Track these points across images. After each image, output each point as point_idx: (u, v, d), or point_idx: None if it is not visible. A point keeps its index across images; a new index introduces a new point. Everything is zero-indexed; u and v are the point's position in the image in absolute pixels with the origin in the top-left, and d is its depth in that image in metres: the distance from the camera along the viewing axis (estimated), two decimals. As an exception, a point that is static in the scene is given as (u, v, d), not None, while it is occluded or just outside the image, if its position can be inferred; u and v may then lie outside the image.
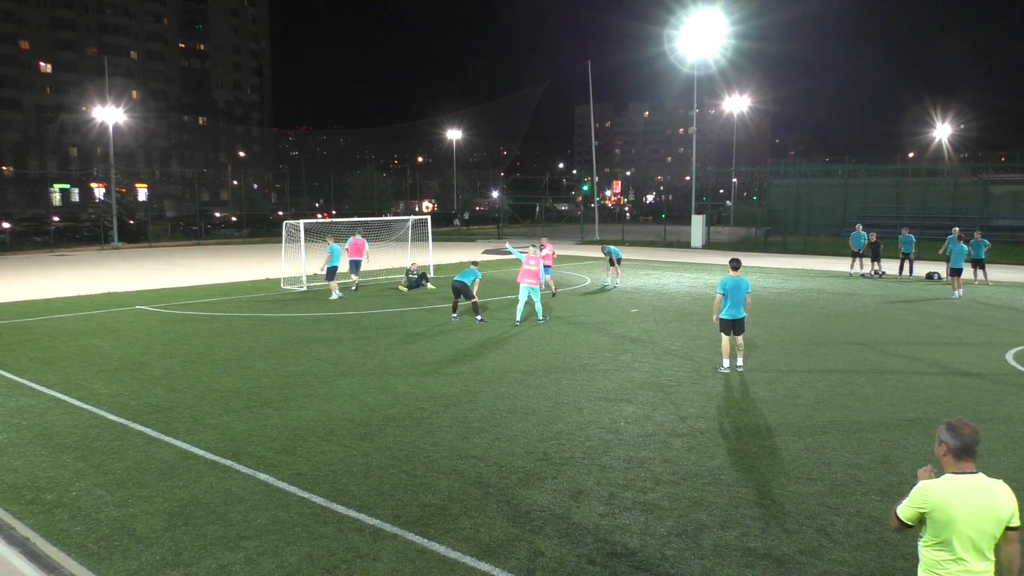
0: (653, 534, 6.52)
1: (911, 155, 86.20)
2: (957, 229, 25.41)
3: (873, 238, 29.02)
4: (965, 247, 23.42)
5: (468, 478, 7.78)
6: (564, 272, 29.39)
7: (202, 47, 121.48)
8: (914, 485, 4.05)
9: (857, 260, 28.89)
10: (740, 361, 12.65)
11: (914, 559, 6.06)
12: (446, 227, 68.41)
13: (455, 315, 17.87)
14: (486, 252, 39.42)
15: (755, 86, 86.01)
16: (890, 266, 28.78)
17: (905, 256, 27.92)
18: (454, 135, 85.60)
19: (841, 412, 10.21)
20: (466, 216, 77.09)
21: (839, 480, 7.75)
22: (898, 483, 7.64)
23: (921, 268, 28.38)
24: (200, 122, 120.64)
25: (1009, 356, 13.97)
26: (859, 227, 29.43)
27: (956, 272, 22.79)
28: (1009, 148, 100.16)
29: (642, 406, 10.44)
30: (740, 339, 12.63)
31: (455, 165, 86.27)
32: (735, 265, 12.84)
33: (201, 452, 8.62)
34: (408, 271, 24.39)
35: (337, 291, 21.89)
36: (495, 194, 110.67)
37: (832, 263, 33.07)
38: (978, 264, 25.40)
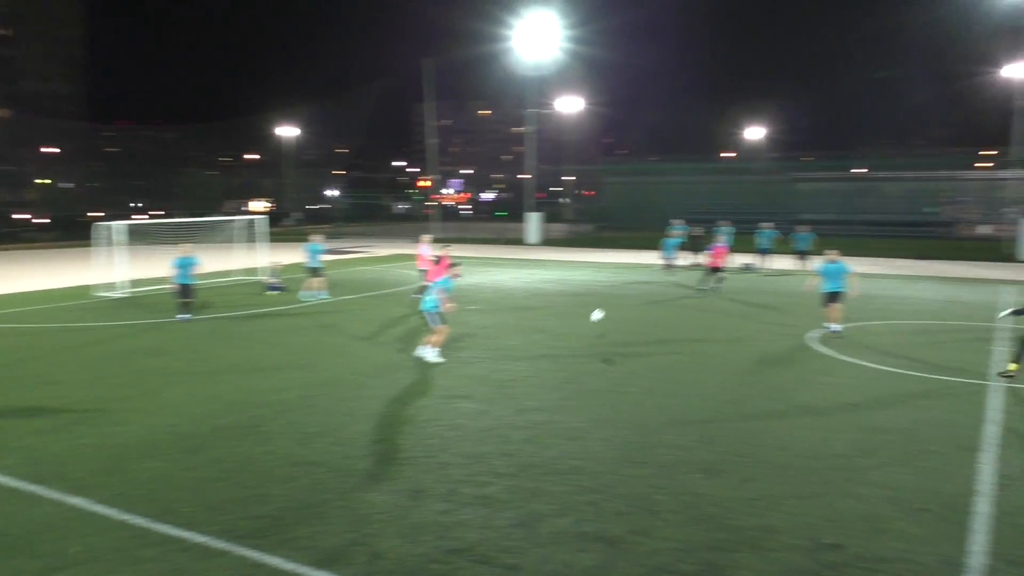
0: (492, 527, 6.62)
1: (732, 154, 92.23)
2: (768, 224, 27.59)
3: (696, 232, 30.92)
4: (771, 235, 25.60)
5: (305, 485, 7.57)
6: (403, 271, 29.23)
7: (8, 32, 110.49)
8: (734, 463, 4.30)
9: (676, 252, 30.68)
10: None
11: (735, 530, 6.53)
12: (280, 227, 66.17)
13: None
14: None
15: (590, 87, 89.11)
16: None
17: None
18: (288, 132, 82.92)
19: (669, 398, 10.78)
20: (300, 215, 74.95)
21: (666, 462, 8.17)
22: (719, 460, 8.16)
23: (739, 260, 30.38)
24: (2, 114, 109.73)
25: (810, 337, 15.26)
26: (678, 222, 31.36)
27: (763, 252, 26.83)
28: (812, 149, 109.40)
29: (481, 402, 10.56)
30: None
31: (289, 163, 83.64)
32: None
33: (2, 479, 7.87)
34: (272, 271, 23.29)
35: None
36: (332, 192, 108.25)
37: (658, 257, 34.77)
38: (802, 255, 27.79)
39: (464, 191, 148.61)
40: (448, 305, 13.08)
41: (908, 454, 8.44)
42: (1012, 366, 11.73)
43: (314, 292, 21.12)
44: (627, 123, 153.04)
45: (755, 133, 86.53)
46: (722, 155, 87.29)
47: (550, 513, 6.90)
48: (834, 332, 15.38)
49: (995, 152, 59.21)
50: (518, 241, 47.56)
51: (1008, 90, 40.01)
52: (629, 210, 51.46)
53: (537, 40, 47.16)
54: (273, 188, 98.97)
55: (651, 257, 34.99)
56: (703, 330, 16.46)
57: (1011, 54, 39.75)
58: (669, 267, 28.12)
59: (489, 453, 8.47)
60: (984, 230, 45.40)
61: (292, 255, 25.73)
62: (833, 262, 15.64)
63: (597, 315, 14.86)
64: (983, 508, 6.96)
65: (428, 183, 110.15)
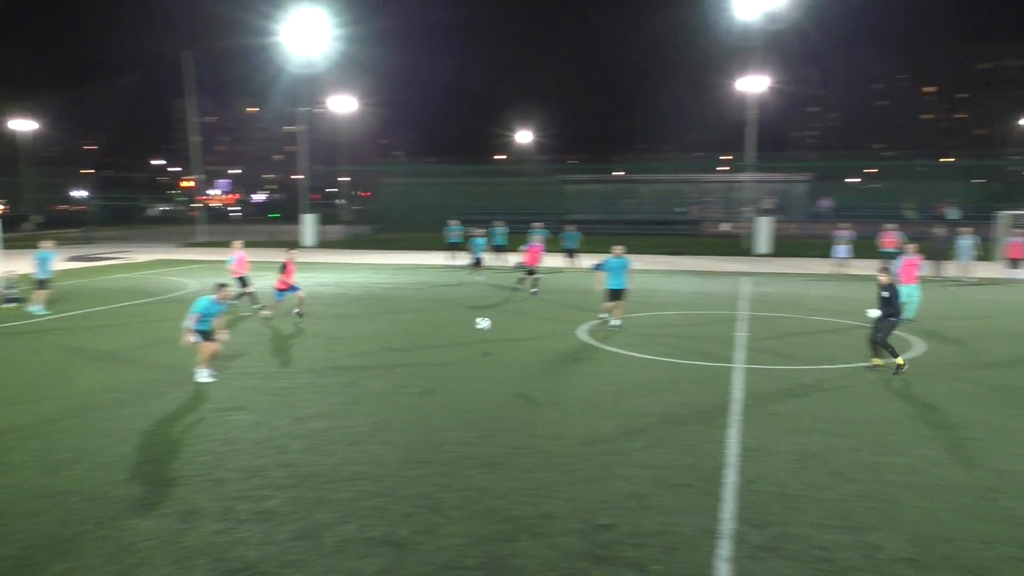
0: (273, 542, 6.37)
1: (503, 157, 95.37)
2: (539, 224, 28.77)
3: (472, 232, 31.63)
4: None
5: (55, 518, 6.84)
6: (166, 279, 27.28)
7: None
8: (513, 455, 4.44)
9: (454, 252, 31.36)
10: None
11: (515, 520, 6.78)
12: (18, 231, 59.17)
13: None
14: (72, 259, 34.92)
15: (364, 87, 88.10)
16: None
17: (497, 248, 30.83)
18: (24, 125, 74.15)
19: (450, 396, 10.94)
20: (41, 219, 67.50)
21: (448, 459, 8.30)
22: (499, 453, 8.42)
23: (514, 259, 31.46)
24: None
25: (582, 331, 16.18)
26: (453, 222, 32.00)
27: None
28: (577, 151, 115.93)
29: (257, 412, 10.11)
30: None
31: (26, 161, 74.91)
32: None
33: None
34: (6, 282, 20.46)
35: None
36: (81, 193, 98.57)
37: (437, 257, 35.23)
38: (570, 253, 29.37)
39: (233, 192, 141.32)
40: (188, 338, 11.47)
41: (668, 434, 9.19)
42: (876, 361, 12.69)
43: (42, 306, 18.86)
44: (403, 124, 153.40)
45: (525, 137, 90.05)
46: (495, 158, 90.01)
47: (334, 521, 6.76)
48: (614, 327, 16.33)
49: (731, 157, 66.10)
50: (293, 244, 46.02)
51: (742, 101, 44.74)
52: (406, 211, 51.60)
53: (307, 36, 45.87)
54: (7, 188, 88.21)
55: (430, 258, 35.34)
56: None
57: (744, 69, 44.50)
58: (476, 267, 27.20)
59: (267, 465, 8.14)
60: (725, 228, 50.44)
61: (29, 263, 23.13)
62: (618, 257, 16.38)
63: (483, 324, 14.04)
64: (731, 478, 7.75)
65: (192, 183, 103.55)
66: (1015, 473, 7.92)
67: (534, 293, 22.03)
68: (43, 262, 19.07)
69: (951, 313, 19.08)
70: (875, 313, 12.81)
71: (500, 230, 30.86)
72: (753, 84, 43.50)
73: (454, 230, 31.76)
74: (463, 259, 31.48)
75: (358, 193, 79.16)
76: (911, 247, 18.25)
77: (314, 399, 10.79)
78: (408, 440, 8.96)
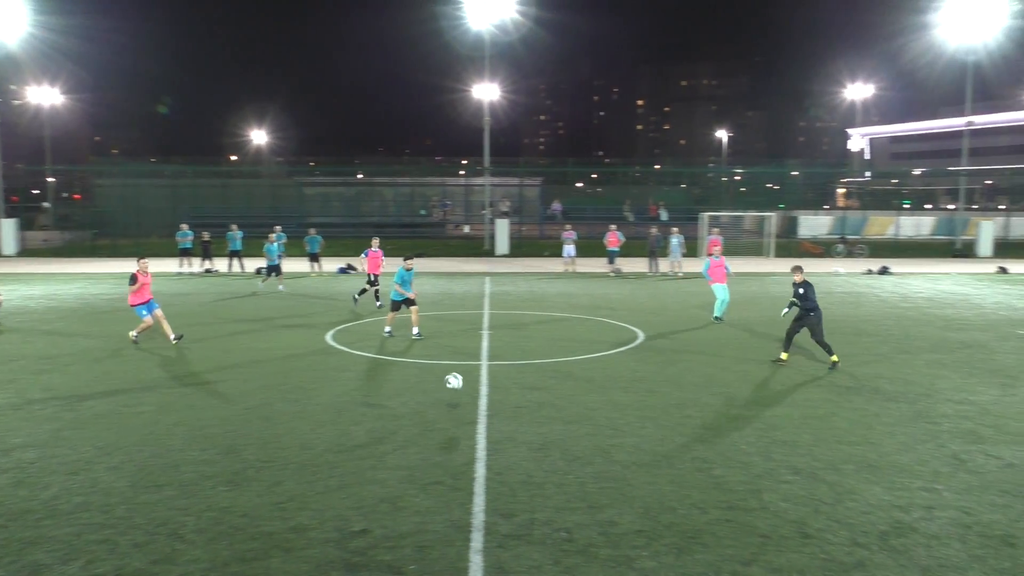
0: (-24, 594, 5.56)
1: (234, 158, 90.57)
2: (279, 228, 27.76)
3: (205, 237, 29.83)
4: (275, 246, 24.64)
5: None
6: None
7: None
8: (260, 470, 4.25)
9: (186, 259, 29.39)
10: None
11: (265, 537, 6.48)
12: None
13: None
14: None
15: (73, 81, 79.39)
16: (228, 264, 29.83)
17: (234, 253, 29.31)
18: None
19: (187, 412, 10.22)
20: None
21: (187, 480, 7.76)
22: (244, 469, 8.02)
23: (250, 264, 30.07)
24: None
25: (329, 337, 15.87)
26: (184, 226, 29.99)
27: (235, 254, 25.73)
28: (316, 154, 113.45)
29: (-50, 448, 8.76)
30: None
31: None
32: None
33: None
34: None
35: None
36: None
37: (165, 264, 32.69)
38: (313, 257, 28.61)
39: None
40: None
41: (420, 434, 9.30)
42: (784, 355, 13.49)
43: None
44: (119, 122, 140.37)
45: (260, 137, 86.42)
46: (229, 158, 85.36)
47: (53, 561, 6.05)
48: (416, 336, 15.54)
49: (468, 161, 68.29)
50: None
51: (478, 108, 46.37)
52: (129, 215, 47.21)
53: (-1, 18, 40.51)
54: None
55: (159, 265, 32.65)
56: (222, 338, 15.95)
57: (478, 77, 46.15)
58: (275, 273, 24.25)
59: (-34, 507, 7.08)
60: (466, 229, 51.99)
61: None
62: (408, 269, 15.47)
63: (453, 382, 10.61)
64: (480, 472, 8.02)
65: None
66: (724, 444, 9.00)
67: (380, 306, 20.08)
68: None
69: (665, 305, 21.20)
70: (786, 311, 13.69)
71: (237, 234, 29.35)
72: (487, 92, 45.26)
73: (186, 235, 29.70)
74: (196, 265, 29.62)
75: (70, 195, 71.18)
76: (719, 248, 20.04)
77: (23, 427, 9.56)
78: (140, 463, 8.24)
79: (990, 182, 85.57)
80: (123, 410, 10.33)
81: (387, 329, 15.93)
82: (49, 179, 68.75)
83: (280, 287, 24.23)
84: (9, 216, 42.58)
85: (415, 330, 15.68)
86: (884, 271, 31.39)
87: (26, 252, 41.27)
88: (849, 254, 40.36)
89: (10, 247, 40.59)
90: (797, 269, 13.51)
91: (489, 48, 43.74)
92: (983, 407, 10.64)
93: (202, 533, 6.57)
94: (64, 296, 23.03)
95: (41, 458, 8.42)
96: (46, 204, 63.60)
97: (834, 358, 13.11)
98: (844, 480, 7.85)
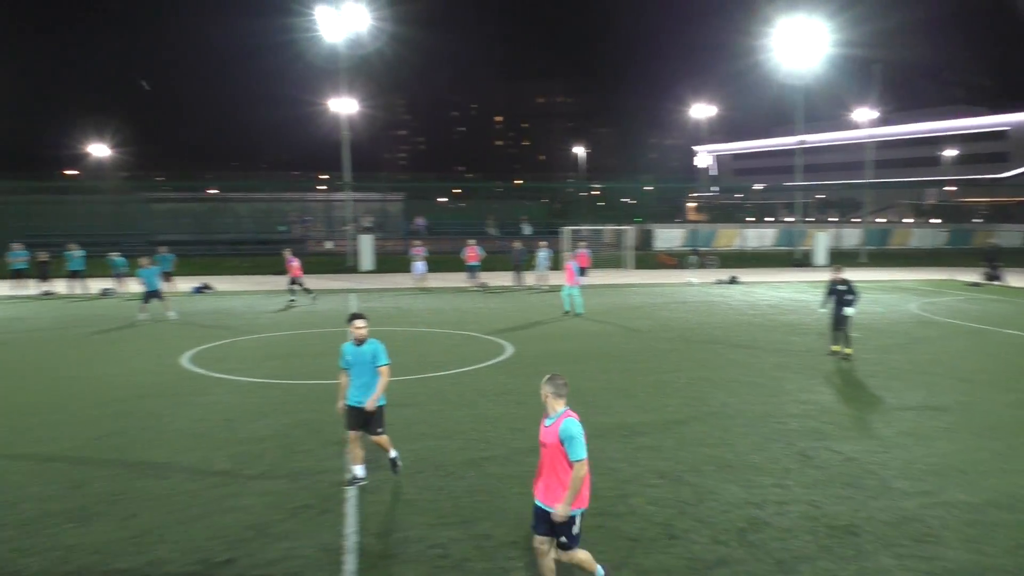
0: None
1: (73, 172, 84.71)
2: (164, 248, 26.36)
3: (43, 257, 27.77)
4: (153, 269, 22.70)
5: None
6: None
7: None
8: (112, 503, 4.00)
9: (20, 281, 27.29)
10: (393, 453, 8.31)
11: (118, 574, 6.08)
12: None
13: None
14: None
15: None
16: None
17: (74, 273, 27.41)
18: None
19: (28, 446, 9.44)
20: None
21: (28, 519, 7.16)
22: (94, 503, 7.47)
23: (94, 285, 28.20)
24: None
25: (184, 359, 15.10)
26: (17, 246, 27.88)
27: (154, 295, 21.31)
28: (163, 168, 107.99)
29: None
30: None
31: None
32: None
33: None
34: None
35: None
36: None
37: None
38: (167, 276, 26.87)
39: None
40: None
41: (285, 457, 9.00)
42: (848, 349, 14.90)
43: None
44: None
45: (101, 151, 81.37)
46: (65, 173, 79.78)
47: None
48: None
49: (328, 176, 67.03)
50: None
51: (336, 121, 45.62)
52: (-51, 234, 43.15)
53: None
54: None
55: (-15, 288, 30.04)
56: (66, 365, 14.82)
57: (334, 90, 45.44)
58: (153, 298, 21.29)
59: None
60: (329, 245, 50.92)
61: None
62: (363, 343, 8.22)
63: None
64: (351, 493, 7.85)
65: None
66: (591, 451, 9.20)
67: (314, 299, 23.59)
68: None
69: (532, 318, 21.55)
70: (824, 310, 15.55)
71: (76, 253, 27.44)
72: (344, 105, 44.62)
73: (19, 255, 27.50)
74: (32, 288, 27.45)
75: None
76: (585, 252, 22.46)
77: None
78: (-28, 505, 7.53)
79: (822, 196, 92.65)
80: (-50, 448, 9.41)
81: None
82: None
83: (170, 313, 21.49)
84: None
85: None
86: (733, 280, 33.24)
87: None
88: (701, 265, 42.46)
89: None
90: (838, 268, 15.57)
91: (344, 61, 43.17)
92: (824, 406, 11.46)
93: (45, 574, 6.08)
94: None
95: None
96: None
97: (848, 350, 14.93)
98: (705, 481, 8.24)
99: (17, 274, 27.52)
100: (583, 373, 13.78)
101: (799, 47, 44.98)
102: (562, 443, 5.60)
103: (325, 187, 65.11)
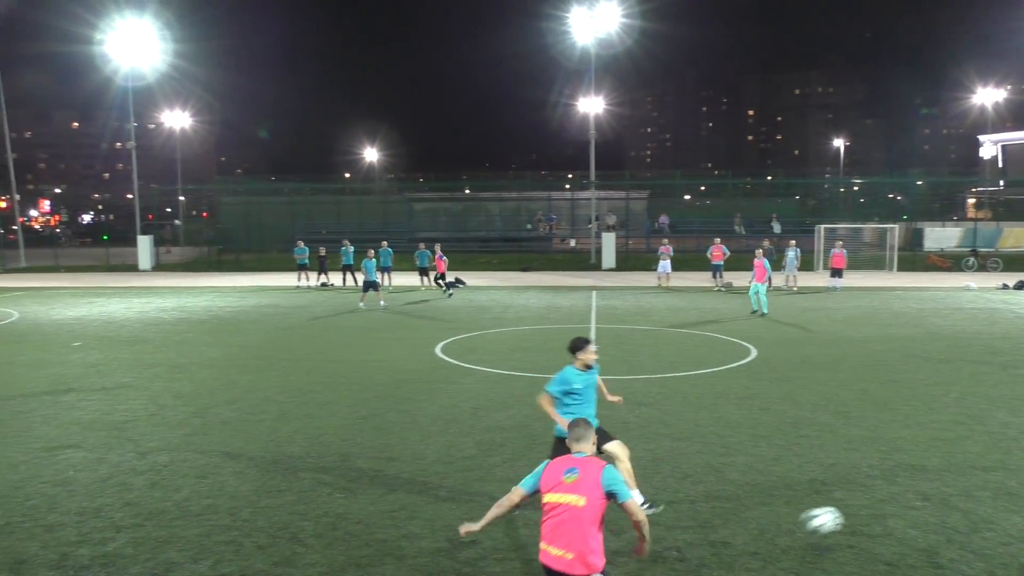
0: (116, 587, 5.94)
1: (347, 175, 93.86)
2: (385, 243, 28.83)
3: (321, 252, 31.04)
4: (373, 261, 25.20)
5: None
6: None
7: None
8: (372, 478, 4.36)
9: (303, 273, 30.62)
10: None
11: (378, 544, 6.66)
12: None
13: None
14: None
15: (198, 103, 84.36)
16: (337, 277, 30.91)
17: (346, 267, 30.36)
18: None
19: (304, 420, 10.63)
20: None
21: (305, 486, 8.05)
22: (359, 477, 8.26)
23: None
24: None
25: (438, 349, 16.17)
26: (300, 242, 31.30)
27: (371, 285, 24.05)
28: (424, 170, 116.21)
29: (94, 449, 9.41)
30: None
31: None
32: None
33: None
34: None
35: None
36: None
37: (283, 278, 34.15)
38: (423, 272, 29.32)
39: (56, 212, 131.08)
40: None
41: (528, 448, 9.34)
42: None
43: None
44: (241, 142, 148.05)
45: (371, 155, 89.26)
46: (343, 175, 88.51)
47: (184, 560, 6.39)
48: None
49: (571, 175, 68.32)
50: (131, 268, 43.30)
51: (583, 121, 46.43)
52: (250, 231, 49.65)
53: (135, 47, 43.51)
54: None
55: (278, 279, 34.19)
56: (336, 349, 16.52)
57: (583, 91, 46.27)
58: (374, 289, 24.22)
59: (108, 505, 7.58)
60: (573, 244, 51.99)
61: None
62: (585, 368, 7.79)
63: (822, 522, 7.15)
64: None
65: (3, 204, 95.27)
66: (842, 466, 8.62)
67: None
68: None
69: (778, 319, 20.53)
70: None
71: (349, 249, 30.39)
72: (592, 105, 45.25)
73: (302, 251, 31.00)
74: (313, 280, 30.82)
75: (197, 213, 75.49)
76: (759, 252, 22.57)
77: (157, 431, 10.17)
78: (262, 468, 8.62)
79: None
80: (246, 417, 10.83)
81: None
82: (180, 198, 73.06)
83: (381, 303, 24.01)
84: (144, 233, 45.44)
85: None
86: (1021, 286, 29.41)
87: (160, 267, 43.96)
88: (981, 268, 38.05)
89: (146, 262, 43.32)
90: None
91: (594, 61, 43.78)
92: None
93: (320, 538, 6.80)
94: (193, 308, 24.38)
95: (174, 461, 8.93)
96: (177, 222, 67.57)
97: None
98: (979, 508, 7.38)
99: (301, 267, 30.98)
100: (835, 381, 12.90)
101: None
102: (609, 495, 4.60)
103: (570, 186, 66.47)
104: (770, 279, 21.60)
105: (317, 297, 27.07)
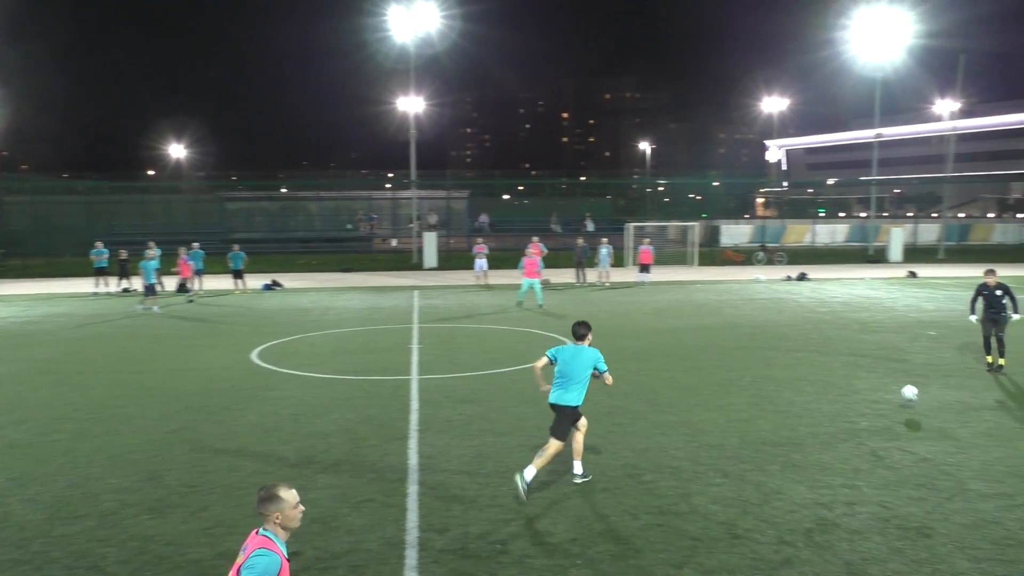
0: None
1: (152, 172, 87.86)
2: (196, 244, 27.31)
3: (123, 255, 28.84)
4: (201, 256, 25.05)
5: None
6: None
7: None
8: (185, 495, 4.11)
9: (102, 278, 28.39)
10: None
11: (192, 565, 6.29)
12: None
13: None
14: None
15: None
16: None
17: (237, 272, 28.45)
18: None
19: (105, 438, 9.85)
20: None
21: (107, 510, 7.47)
22: (168, 495, 7.77)
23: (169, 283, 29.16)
24: None
25: (254, 355, 15.53)
26: (99, 244, 29.07)
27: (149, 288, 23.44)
28: (239, 168, 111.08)
29: None
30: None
31: None
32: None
33: None
34: None
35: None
36: None
37: (79, 284, 31.42)
38: (237, 275, 28.00)
39: None
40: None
41: (350, 452, 9.18)
42: (1001, 360, 13.23)
43: None
44: (29, 136, 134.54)
45: (178, 151, 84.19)
46: (147, 173, 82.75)
47: (-37, 601, 5.74)
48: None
49: (394, 174, 67.87)
50: None
51: (403, 120, 46.23)
52: (38, 234, 45.21)
53: None
54: None
55: (73, 285, 31.41)
56: (142, 360, 15.43)
57: (403, 89, 46.04)
58: (151, 293, 23.54)
59: None
60: (394, 243, 51.62)
61: None
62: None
63: (909, 394, 10.90)
64: (413, 488, 7.96)
65: None
66: (652, 450, 9.15)
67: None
68: None
69: (593, 313, 21.45)
70: (974, 318, 13.71)
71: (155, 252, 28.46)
72: (412, 104, 45.15)
73: (101, 253, 28.68)
74: (112, 285, 28.58)
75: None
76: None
77: (-73, 460, 9.05)
78: (57, 494, 7.90)
79: (898, 191, 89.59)
80: (36, 439, 9.89)
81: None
82: (-49, 197, 65.32)
83: (155, 308, 23.05)
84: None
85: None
86: (802, 277, 32.47)
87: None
88: (769, 261, 41.63)
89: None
90: (991, 272, 13.38)
91: (414, 60, 43.67)
92: (898, 405, 11.10)
93: (125, 564, 6.34)
94: (-30, 320, 21.90)
95: (-52, 492, 7.99)
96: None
97: (1002, 361, 13.25)
98: (770, 480, 8.08)
99: (99, 272, 28.65)
100: (647, 371, 13.66)
101: (879, 37, 43.60)
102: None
103: (391, 185, 65.98)
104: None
105: (117, 304, 25.16)
